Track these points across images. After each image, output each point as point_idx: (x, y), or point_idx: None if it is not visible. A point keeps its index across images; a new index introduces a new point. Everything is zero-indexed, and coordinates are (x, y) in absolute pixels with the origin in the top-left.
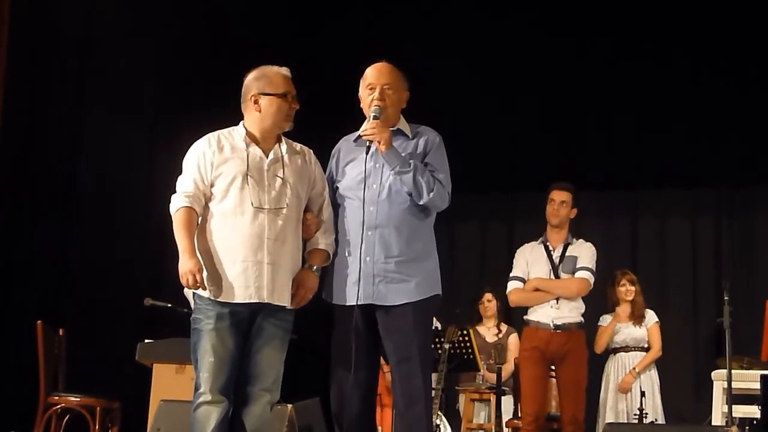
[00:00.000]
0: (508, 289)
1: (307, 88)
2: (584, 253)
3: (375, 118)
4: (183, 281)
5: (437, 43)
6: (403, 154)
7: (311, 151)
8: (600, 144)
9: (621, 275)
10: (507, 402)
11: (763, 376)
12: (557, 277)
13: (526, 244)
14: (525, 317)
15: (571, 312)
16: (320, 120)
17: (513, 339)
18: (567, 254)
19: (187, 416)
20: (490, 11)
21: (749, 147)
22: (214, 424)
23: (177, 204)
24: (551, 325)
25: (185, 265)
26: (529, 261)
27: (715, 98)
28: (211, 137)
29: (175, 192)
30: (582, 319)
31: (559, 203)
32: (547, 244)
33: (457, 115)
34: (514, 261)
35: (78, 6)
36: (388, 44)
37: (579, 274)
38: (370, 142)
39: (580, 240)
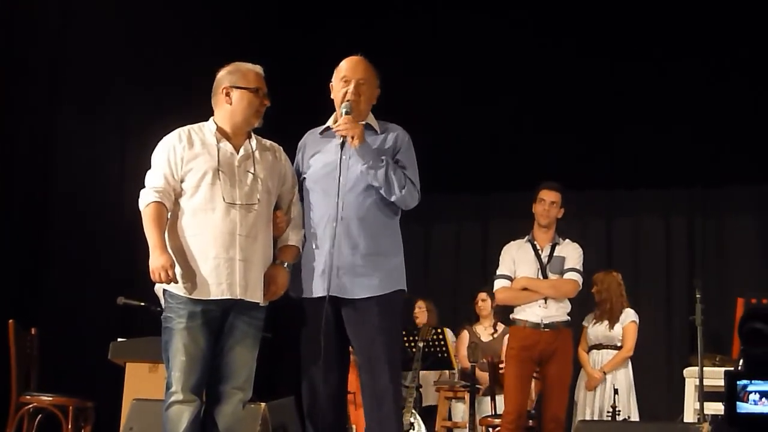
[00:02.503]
0: (496, 287)
1: (280, 86)
2: (572, 253)
3: (347, 113)
4: (155, 277)
5: (413, 43)
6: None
7: (281, 148)
8: (574, 144)
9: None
10: (482, 400)
11: (727, 372)
12: (545, 276)
13: (512, 242)
14: (512, 316)
15: (558, 311)
16: (292, 119)
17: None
18: (555, 254)
19: (159, 415)
20: (468, 10)
21: (722, 147)
22: (186, 424)
23: (146, 199)
24: (540, 324)
25: (157, 261)
26: (516, 259)
27: (688, 98)
28: (181, 132)
29: (144, 187)
30: (569, 317)
31: (550, 203)
32: (535, 243)
33: (433, 115)
34: (501, 259)
35: (51, 4)
36: (363, 43)
37: (568, 276)
38: (343, 136)
39: (567, 240)
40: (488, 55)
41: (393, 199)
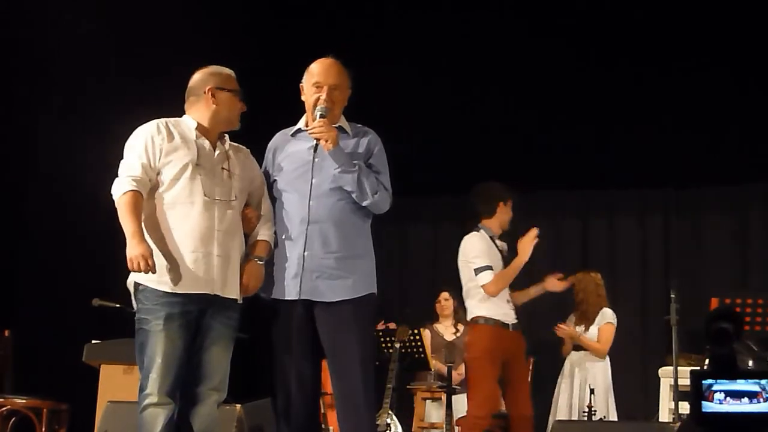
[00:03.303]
0: (487, 280)
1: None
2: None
3: (322, 116)
4: (133, 266)
5: (388, 45)
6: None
7: (248, 150)
8: (549, 144)
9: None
10: (459, 401)
11: (692, 372)
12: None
13: (473, 234)
14: (479, 315)
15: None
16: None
17: None
18: (499, 246)
19: (134, 417)
20: (439, 13)
21: (697, 147)
22: (161, 426)
23: (123, 188)
24: (509, 324)
25: (135, 250)
26: (488, 252)
27: (662, 99)
28: (159, 123)
29: (117, 176)
30: None
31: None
32: (493, 236)
33: (413, 115)
34: (478, 250)
35: (31, 5)
36: (334, 45)
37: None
38: (317, 140)
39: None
40: (470, 56)
41: (365, 203)
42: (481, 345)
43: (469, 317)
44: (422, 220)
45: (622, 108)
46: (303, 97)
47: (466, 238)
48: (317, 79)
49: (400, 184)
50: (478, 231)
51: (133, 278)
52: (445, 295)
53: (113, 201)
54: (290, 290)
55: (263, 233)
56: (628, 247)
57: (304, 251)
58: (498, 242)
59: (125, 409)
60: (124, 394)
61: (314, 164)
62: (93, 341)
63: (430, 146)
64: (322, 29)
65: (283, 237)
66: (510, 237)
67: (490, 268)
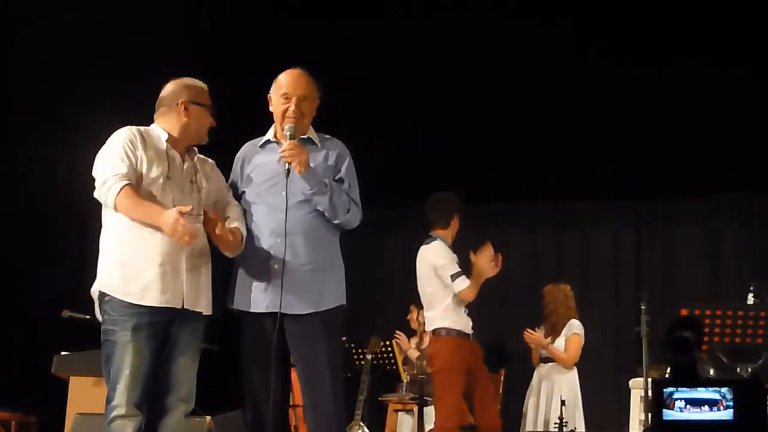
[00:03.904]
0: (463, 287)
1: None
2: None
3: (291, 137)
4: (176, 235)
5: (361, 51)
6: (312, 165)
7: (213, 162)
8: (523, 156)
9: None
10: (431, 412)
11: (654, 380)
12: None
13: (434, 243)
14: (442, 326)
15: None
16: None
17: None
18: None
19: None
20: (406, 20)
21: (669, 159)
22: None
23: (115, 187)
24: (470, 335)
25: (169, 218)
26: (454, 259)
27: (634, 112)
28: (134, 130)
29: (105, 182)
30: None
31: None
32: (450, 246)
33: (385, 126)
34: (447, 258)
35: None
36: (303, 54)
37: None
38: (289, 163)
39: None
40: (443, 66)
41: (337, 222)
42: (444, 356)
43: (429, 328)
44: (396, 230)
45: (596, 121)
46: (271, 108)
47: (426, 247)
48: (285, 90)
49: (375, 195)
50: (435, 240)
51: (97, 288)
52: (412, 306)
53: (85, 211)
54: (260, 303)
55: (235, 224)
56: (601, 259)
57: (274, 264)
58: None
59: (94, 420)
60: (94, 406)
61: (281, 176)
62: (62, 353)
63: (404, 157)
64: (288, 37)
65: (252, 250)
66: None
67: (463, 273)
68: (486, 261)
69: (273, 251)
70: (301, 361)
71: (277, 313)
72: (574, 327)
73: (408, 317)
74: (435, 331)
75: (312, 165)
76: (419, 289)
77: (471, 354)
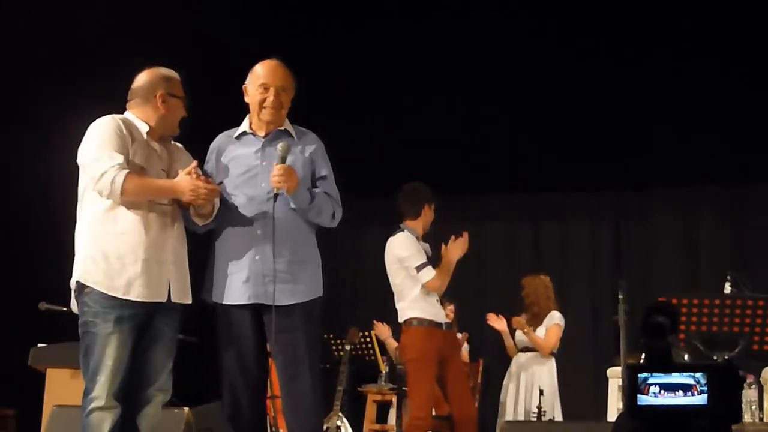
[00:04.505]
0: (429, 277)
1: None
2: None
3: (282, 159)
4: (200, 196)
5: (346, 43)
6: (291, 158)
7: (181, 145)
8: (502, 148)
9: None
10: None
11: (628, 366)
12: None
13: (400, 234)
14: (412, 316)
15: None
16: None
17: None
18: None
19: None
20: (387, 20)
21: (647, 149)
22: (107, 430)
23: (118, 177)
24: (443, 324)
25: (185, 183)
26: (419, 250)
27: (613, 101)
28: (118, 120)
29: (101, 175)
30: None
31: None
32: (418, 238)
33: (366, 118)
34: (412, 249)
35: None
36: (283, 46)
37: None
38: (277, 188)
39: None
40: (425, 59)
41: (325, 225)
42: (415, 346)
43: (401, 319)
44: (376, 221)
45: (572, 111)
46: (246, 99)
47: (392, 239)
48: (264, 81)
49: (355, 184)
50: (402, 231)
51: (76, 279)
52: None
53: (60, 203)
54: (240, 294)
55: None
56: (579, 249)
57: (255, 255)
58: (421, 243)
59: (71, 413)
60: (71, 399)
61: (261, 168)
62: (39, 345)
63: (385, 147)
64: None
65: (232, 241)
66: (433, 240)
67: (429, 263)
68: (455, 251)
69: (254, 244)
70: (281, 352)
71: (256, 305)
72: (555, 318)
73: None
74: (406, 321)
75: (291, 158)
76: (390, 280)
77: (443, 343)
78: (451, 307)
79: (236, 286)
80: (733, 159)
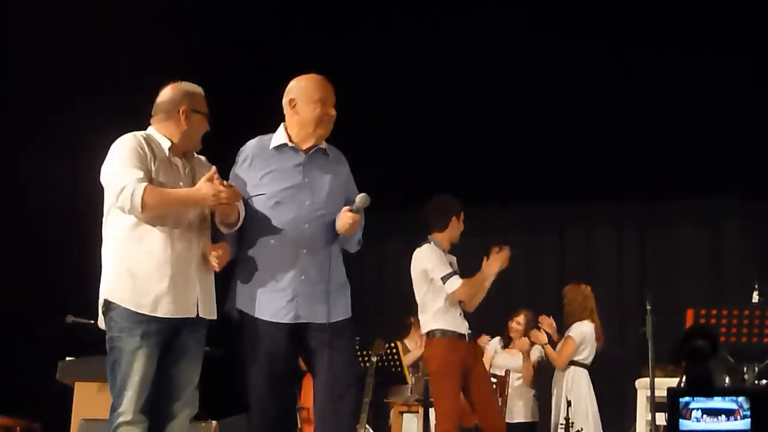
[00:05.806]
0: (455, 287)
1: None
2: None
3: (358, 210)
4: (223, 200)
5: (360, 56)
6: (330, 181)
7: (204, 158)
8: (526, 157)
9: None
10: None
11: (669, 389)
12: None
13: (425, 246)
14: (435, 328)
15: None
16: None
17: None
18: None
19: None
20: (389, 29)
21: (674, 160)
22: None
23: (138, 189)
24: (466, 335)
25: (206, 189)
26: (444, 261)
27: (638, 113)
28: (140, 138)
29: (122, 190)
30: None
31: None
32: (444, 251)
33: (386, 130)
34: (437, 260)
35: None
36: (299, 61)
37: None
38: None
39: None
40: (440, 71)
41: (349, 251)
42: (439, 358)
43: (424, 331)
44: (400, 232)
45: (598, 122)
46: (291, 112)
47: (417, 251)
48: (321, 95)
49: (380, 197)
50: (428, 243)
51: (103, 297)
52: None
53: (88, 215)
54: (284, 314)
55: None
56: (605, 260)
57: (300, 275)
58: (447, 256)
59: (99, 427)
60: (99, 412)
61: (304, 184)
62: (67, 358)
63: (406, 159)
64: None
65: (271, 256)
66: (460, 251)
67: (456, 273)
68: (494, 265)
69: (299, 264)
70: (324, 369)
71: (297, 324)
72: (572, 330)
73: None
74: (429, 333)
75: (329, 178)
76: (415, 292)
77: (467, 354)
78: (519, 318)
79: (279, 305)
80: (759, 170)
